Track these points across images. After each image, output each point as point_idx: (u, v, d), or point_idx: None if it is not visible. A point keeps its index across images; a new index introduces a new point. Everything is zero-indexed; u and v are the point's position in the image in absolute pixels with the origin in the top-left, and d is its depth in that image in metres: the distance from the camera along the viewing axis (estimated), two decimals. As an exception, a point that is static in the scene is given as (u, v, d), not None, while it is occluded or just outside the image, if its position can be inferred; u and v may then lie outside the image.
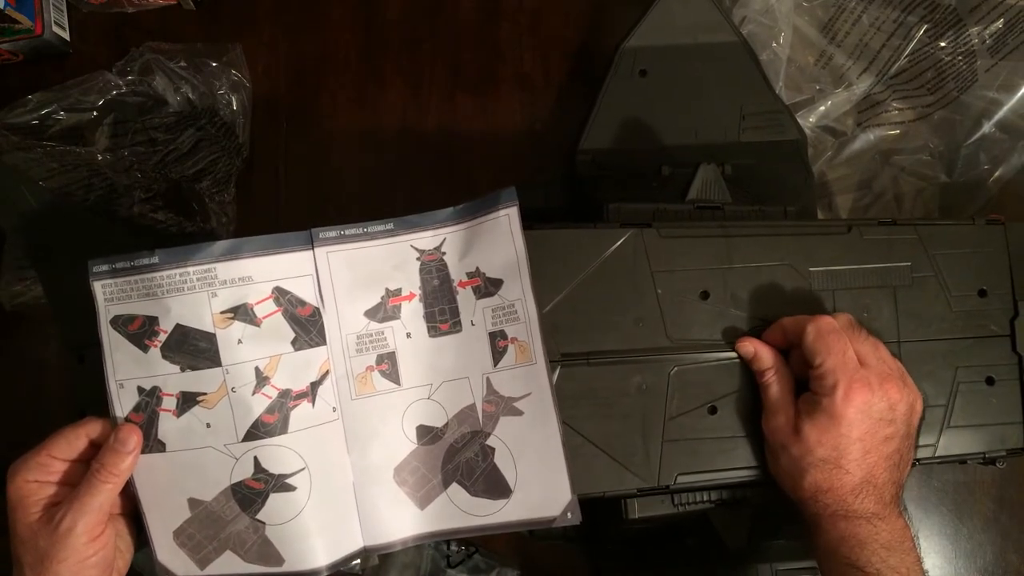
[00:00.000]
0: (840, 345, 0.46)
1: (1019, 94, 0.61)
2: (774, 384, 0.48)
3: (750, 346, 0.49)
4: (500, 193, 0.48)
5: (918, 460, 0.51)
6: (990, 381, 0.52)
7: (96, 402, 0.47)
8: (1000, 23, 0.61)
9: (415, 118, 0.66)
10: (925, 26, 0.63)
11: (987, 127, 0.62)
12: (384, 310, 0.48)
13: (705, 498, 0.50)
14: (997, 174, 0.63)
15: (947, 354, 0.51)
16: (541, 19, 0.67)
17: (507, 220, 0.48)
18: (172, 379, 0.46)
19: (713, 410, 0.49)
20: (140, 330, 0.46)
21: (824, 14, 0.65)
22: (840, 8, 0.64)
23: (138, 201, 0.60)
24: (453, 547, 0.61)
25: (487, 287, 0.48)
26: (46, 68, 0.65)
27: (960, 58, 0.63)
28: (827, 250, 0.51)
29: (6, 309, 0.60)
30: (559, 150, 0.61)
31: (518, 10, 0.67)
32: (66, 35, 0.65)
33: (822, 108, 0.65)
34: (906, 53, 0.64)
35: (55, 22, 0.63)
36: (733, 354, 0.50)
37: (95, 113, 0.61)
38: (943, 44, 0.63)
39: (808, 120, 0.65)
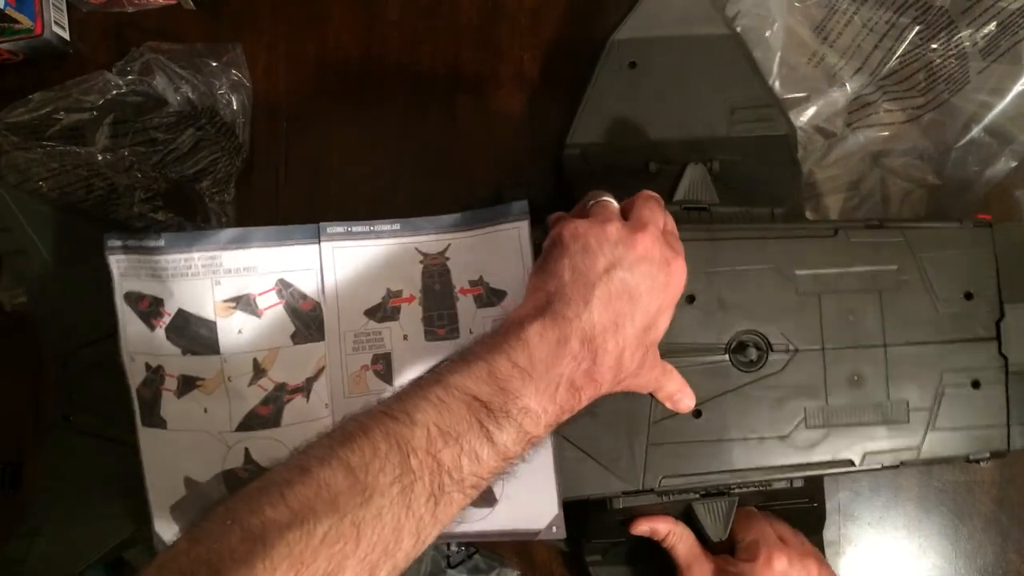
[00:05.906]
0: (761, 523, 0.53)
1: (1008, 98, 0.61)
2: (678, 543, 0.52)
3: (644, 525, 0.52)
4: (512, 205, 0.48)
5: (902, 463, 0.51)
6: (976, 384, 0.51)
7: (80, 408, 0.46)
8: (992, 26, 0.61)
9: (415, 118, 0.66)
10: (917, 27, 0.63)
11: (976, 130, 0.62)
12: (384, 310, 0.49)
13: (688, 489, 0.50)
14: (985, 178, 0.63)
15: (933, 357, 0.51)
16: (541, 19, 0.67)
17: (517, 234, 0.48)
18: (174, 361, 0.46)
19: (698, 413, 0.50)
20: (148, 309, 0.46)
21: (817, 14, 0.65)
22: (833, 8, 0.65)
23: (138, 201, 0.61)
24: (453, 547, 0.61)
25: (489, 297, 0.48)
26: (46, 68, 0.65)
27: (952, 60, 0.63)
28: (813, 253, 0.51)
29: (6, 309, 0.60)
30: (559, 149, 0.61)
31: (518, 10, 0.67)
32: (66, 35, 0.65)
33: (813, 108, 0.65)
34: (898, 54, 0.64)
35: (55, 22, 0.63)
36: (718, 357, 0.50)
37: (95, 113, 0.61)
38: (935, 46, 0.63)
39: (799, 120, 0.65)
